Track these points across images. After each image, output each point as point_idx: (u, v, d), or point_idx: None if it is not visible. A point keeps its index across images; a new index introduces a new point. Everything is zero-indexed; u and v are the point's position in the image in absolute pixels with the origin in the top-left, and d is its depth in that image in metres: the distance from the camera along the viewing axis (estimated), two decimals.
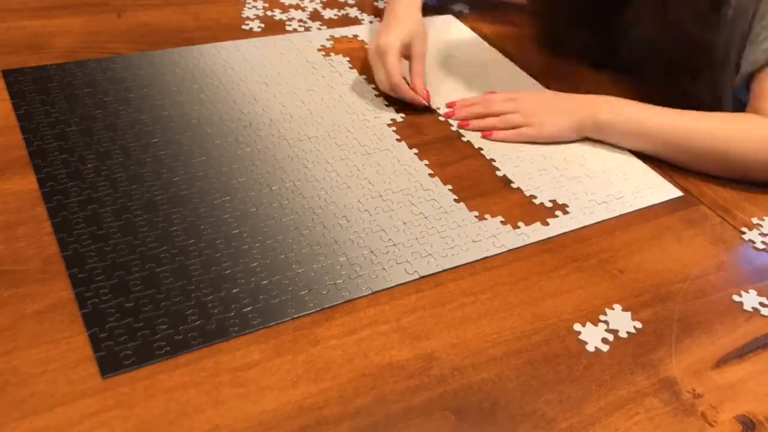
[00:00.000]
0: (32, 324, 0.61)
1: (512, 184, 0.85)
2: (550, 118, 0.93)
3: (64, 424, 0.54)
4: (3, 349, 0.59)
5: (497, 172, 0.87)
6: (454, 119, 0.95)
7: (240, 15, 1.12)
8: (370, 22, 1.16)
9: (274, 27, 1.10)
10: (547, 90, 1.03)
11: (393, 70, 0.93)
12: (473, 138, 0.92)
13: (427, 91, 0.96)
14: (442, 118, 0.96)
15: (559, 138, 0.93)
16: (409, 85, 0.95)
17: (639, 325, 0.69)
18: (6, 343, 0.59)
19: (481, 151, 0.90)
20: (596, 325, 0.69)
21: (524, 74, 1.08)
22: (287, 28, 1.11)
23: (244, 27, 1.09)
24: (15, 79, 0.90)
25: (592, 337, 0.67)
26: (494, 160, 0.89)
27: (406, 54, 0.97)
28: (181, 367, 0.59)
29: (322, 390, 0.59)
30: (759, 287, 0.76)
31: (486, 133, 0.93)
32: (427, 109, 0.96)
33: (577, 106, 0.94)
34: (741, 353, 0.69)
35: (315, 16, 1.15)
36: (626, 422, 0.61)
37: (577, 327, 0.68)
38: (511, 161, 0.89)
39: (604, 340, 0.67)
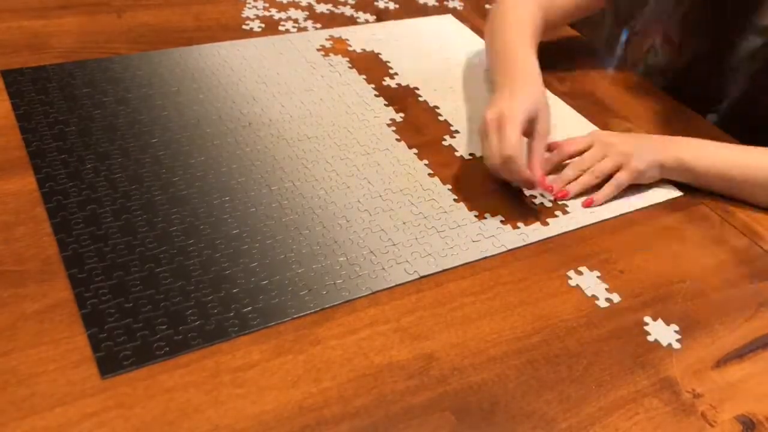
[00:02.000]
0: (32, 324, 0.61)
1: (512, 184, 0.85)
2: (639, 156, 0.86)
3: (64, 424, 0.54)
4: (3, 349, 0.59)
5: None
6: (560, 198, 0.85)
7: (240, 15, 1.12)
8: (366, 21, 1.16)
9: (274, 27, 1.10)
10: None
11: (512, 140, 0.78)
12: (470, 138, 0.92)
13: (551, 186, 0.84)
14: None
15: (645, 176, 0.86)
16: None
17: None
18: (6, 343, 0.59)
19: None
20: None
21: None
22: (287, 28, 1.11)
23: (244, 27, 1.09)
24: (14, 79, 0.90)
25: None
26: None
27: (528, 129, 0.83)
28: (181, 368, 0.59)
29: (322, 390, 0.59)
30: (759, 287, 0.76)
31: (586, 202, 0.84)
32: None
33: (663, 146, 0.88)
34: (741, 353, 0.69)
35: (314, 16, 1.15)
36: (626, 422, 0.61)
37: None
38: None
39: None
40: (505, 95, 0.84)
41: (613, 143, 0.87)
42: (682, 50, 1.08)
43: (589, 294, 0.72)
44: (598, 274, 0.75)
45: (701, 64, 1.07)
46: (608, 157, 0.86)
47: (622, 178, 0.85)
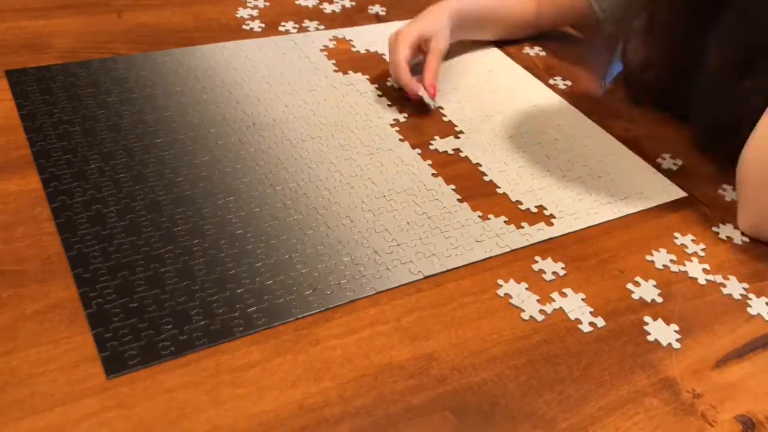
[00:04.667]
0: (32, 324, 0.61)
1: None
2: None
3: (64, 424, 0.54)
4: (3, 349, 0.59)
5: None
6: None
7: (240, 15, 1.12)
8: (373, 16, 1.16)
9: (274, 27, 1.10)
10: None
11: (399, 54, 0.95)
12: (474, 139, 0.92)
13: (434, 88, 0.96)
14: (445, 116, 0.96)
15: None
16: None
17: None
18: (6, 343, 0.60)
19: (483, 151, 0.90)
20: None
21: (529, 75, 1.08)
22: (287, 28, 1.11)
23: (244, 27, 1.09)
24: (18, 79, 0.90)
25: None
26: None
27: (424, 48, 0.98)
28: (181, 368, 0.60)
29: (322, 390, 0.60)
30: (759, 287, 0.76)
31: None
32: (425, 108, 0.96)
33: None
34: (741, 353, 0.69)
35: (316, 16, 1.15)
36: (626, 422, 0.61)
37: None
38: (515, 162, 0.89)
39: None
40: (410, 22, 1.00)
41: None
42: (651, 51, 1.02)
43: None
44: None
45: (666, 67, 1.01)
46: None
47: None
